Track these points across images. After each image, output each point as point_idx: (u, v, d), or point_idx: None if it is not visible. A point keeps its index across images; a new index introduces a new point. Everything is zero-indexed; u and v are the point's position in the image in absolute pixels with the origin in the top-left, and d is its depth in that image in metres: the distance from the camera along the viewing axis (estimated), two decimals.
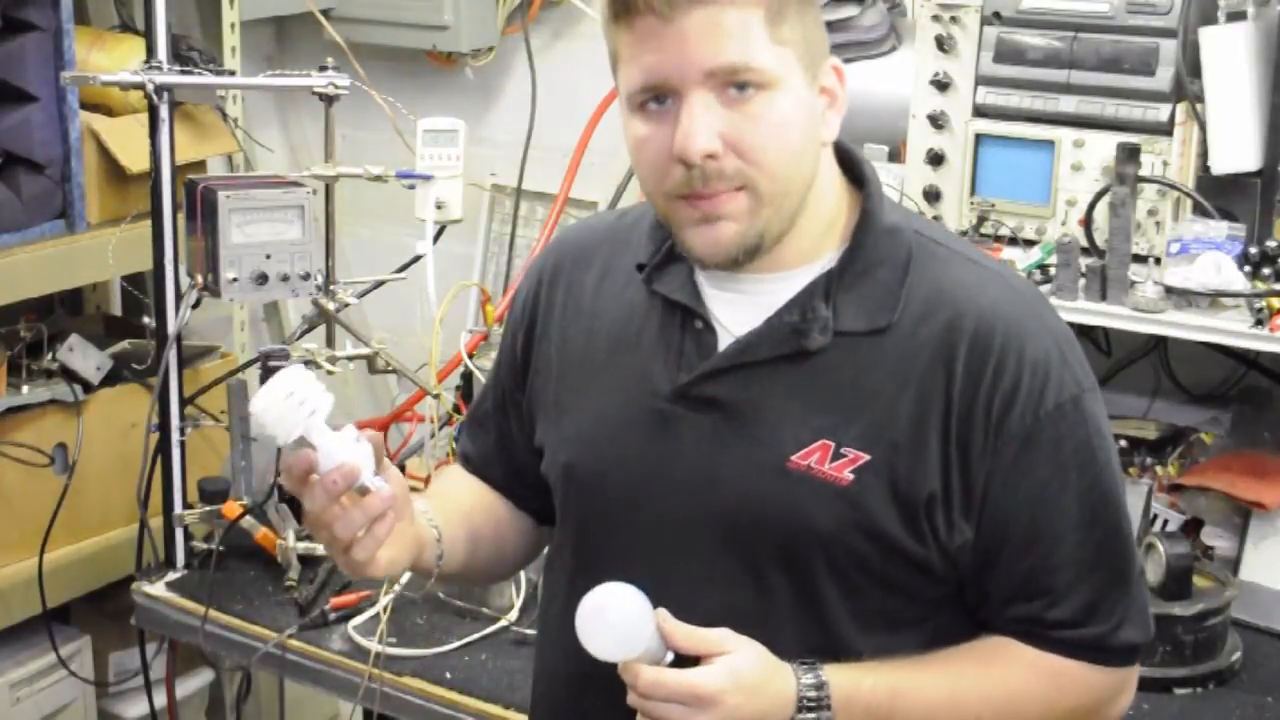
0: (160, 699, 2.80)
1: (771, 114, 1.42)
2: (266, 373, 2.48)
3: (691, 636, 1.43)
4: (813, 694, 1.43)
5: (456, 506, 1.68)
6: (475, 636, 2.37)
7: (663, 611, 1.43)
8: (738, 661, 1.42)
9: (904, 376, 1.46)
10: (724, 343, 1.52)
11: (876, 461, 1.45)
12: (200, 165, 3.00)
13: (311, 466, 1.42)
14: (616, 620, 1.42)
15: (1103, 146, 2.30)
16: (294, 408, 1.41)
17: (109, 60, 2.82)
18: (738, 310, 1.52)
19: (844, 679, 1.44)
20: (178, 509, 2.61)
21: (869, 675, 1.46)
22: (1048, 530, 1.48)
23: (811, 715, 1.43)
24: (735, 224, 1.44)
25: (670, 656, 1.44)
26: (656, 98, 1.43)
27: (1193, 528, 2.45)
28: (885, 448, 1.45)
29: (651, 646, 1.43)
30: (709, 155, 1.41)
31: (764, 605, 1.49)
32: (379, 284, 2.80)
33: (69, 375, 2.80)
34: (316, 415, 1.43)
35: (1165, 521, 2.44)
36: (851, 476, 1.45)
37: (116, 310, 3.28)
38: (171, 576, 2.61)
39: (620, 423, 1.55)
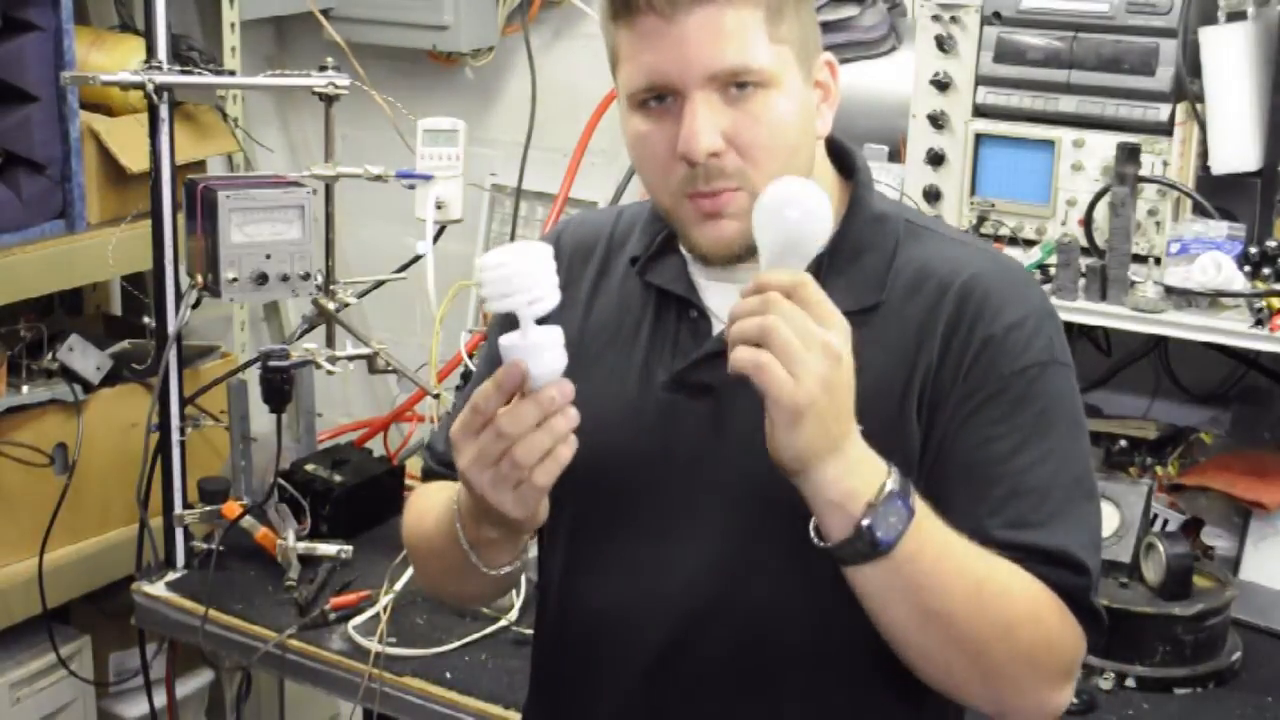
0: (160, 699, 2.80)
1: (770, 112, 1.44)
2: (267, 372, 2.47)
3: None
4: (902, 482, 1.35)
5: None
6: (475, 636, 2.37)
7: None
8: None
9: (893, 349, 1.47)
10: (718, 330, 1.53)
11: (868, 433, 1.44)
12: (200, 165, 3.00)
13: (523, 382, 1.35)
14: (797, 218, 1.33)
15: (1103, 146, 2.30)
16: (535, 280, 1.34)
17: (109, 60, 2.82)
18: (731, 297, 1.51)
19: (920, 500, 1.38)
20: (178, 509, 2.61)
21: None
22: (983, 482, 1.43)
23: (899, 493, 1.34)
24: (738, 222, 1.45)
25: None
26: (657, 96, 1.45)
27: (1193, 528, 2.45)
28: (876, 420, 1.44)
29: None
30: (712, 154, 1.42)
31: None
32: (379, 284, 2.80)
33: (69, 375, 2.79)
34: (543, 303, 1.35)
35: (1165, 521, 2.44)
36: None
37: (116, 310, 3.28)
38: (171, 576, 2.60)
39: (617, 412, 1.55)
